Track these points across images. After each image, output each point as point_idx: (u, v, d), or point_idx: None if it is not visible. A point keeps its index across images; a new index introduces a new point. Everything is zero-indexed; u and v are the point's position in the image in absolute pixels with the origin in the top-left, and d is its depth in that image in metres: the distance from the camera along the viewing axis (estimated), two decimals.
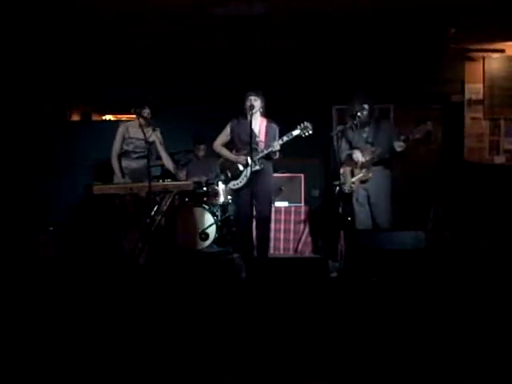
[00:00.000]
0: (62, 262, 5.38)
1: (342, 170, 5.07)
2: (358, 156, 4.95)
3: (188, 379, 2.66)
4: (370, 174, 4.90)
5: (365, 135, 4.98)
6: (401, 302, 3.79)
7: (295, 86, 6.88)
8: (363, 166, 4.92)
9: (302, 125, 4.67)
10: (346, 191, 5.03)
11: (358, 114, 4.81)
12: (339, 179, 4.94)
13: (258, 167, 4.67)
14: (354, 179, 4.97)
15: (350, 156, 5.04)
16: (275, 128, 4.84)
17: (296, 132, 4.67)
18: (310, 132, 4.66)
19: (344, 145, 5.12)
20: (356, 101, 4.87)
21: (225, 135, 4.95)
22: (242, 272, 4.73)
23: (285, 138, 4.68)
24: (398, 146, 4.71)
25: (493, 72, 6.49)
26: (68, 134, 6.71)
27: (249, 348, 3.02)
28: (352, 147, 5.04)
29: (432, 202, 6.39)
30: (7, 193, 5.87)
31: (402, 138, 4.70)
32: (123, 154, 5.12)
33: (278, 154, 4.75)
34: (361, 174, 4.93)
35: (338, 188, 4.92)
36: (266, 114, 4.85)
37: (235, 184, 4.88)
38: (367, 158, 4.90)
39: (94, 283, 4.45)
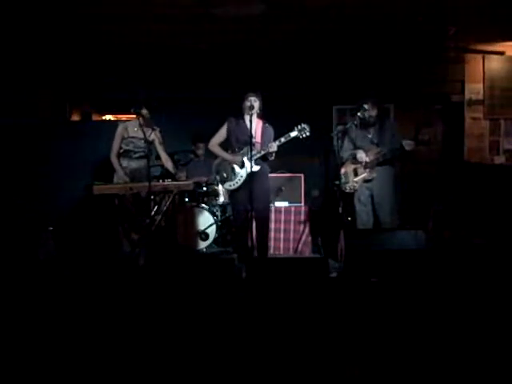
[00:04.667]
0: (62, 262, 5.37)
1: (343, 170, 5.04)
2: (362, 156, 4.94)
3: (188, 379, 2.66)
4: (374, 174, 4.90)
5: (370, 136, 4.97)
6: (401, 302, 3.78)
7: (295, 86, 6.88)
8: (367, 165, 4.91)
9: (299, 126, 4.67)
10: (347, 191, 5.01)
11: (358, 113, 4.82)
12: (339, 179, 4.91)
13: (255, 168, 4.67)
14: (357, 179, 4.95)
15: (353, 155, 5.03)
16: (271, 129, 4.85)
17: (293, 133, 4.67)
18: (308, 134, 4.66)
19: (347, 144, 5.10)
20: (360, 101, 4.87)
21: (221, 135, 4.92)
22: (242, 272, 4.72)
23: (282, 139, 4.68)
24: (408, 144, 4.71)
25: (493, 72, 6.50)
26: (68, 134, 6.70)
27: (249, 348, 3.01)
28: (356, 147, 5.03)
29: (432, 201, 6.39)
30: (7, 193, 5.87)
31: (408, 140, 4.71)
32: (123, 154, 5.11)
33: (273, 154, 4.76)
34: (365, 174, 4.92)
35: (337, 188, 4.91)
36: (262, 115, 4.85)
37: (231, 185, 4.87)
38: (372, 158, 4.89)
39: (94, 283, 4.45)
